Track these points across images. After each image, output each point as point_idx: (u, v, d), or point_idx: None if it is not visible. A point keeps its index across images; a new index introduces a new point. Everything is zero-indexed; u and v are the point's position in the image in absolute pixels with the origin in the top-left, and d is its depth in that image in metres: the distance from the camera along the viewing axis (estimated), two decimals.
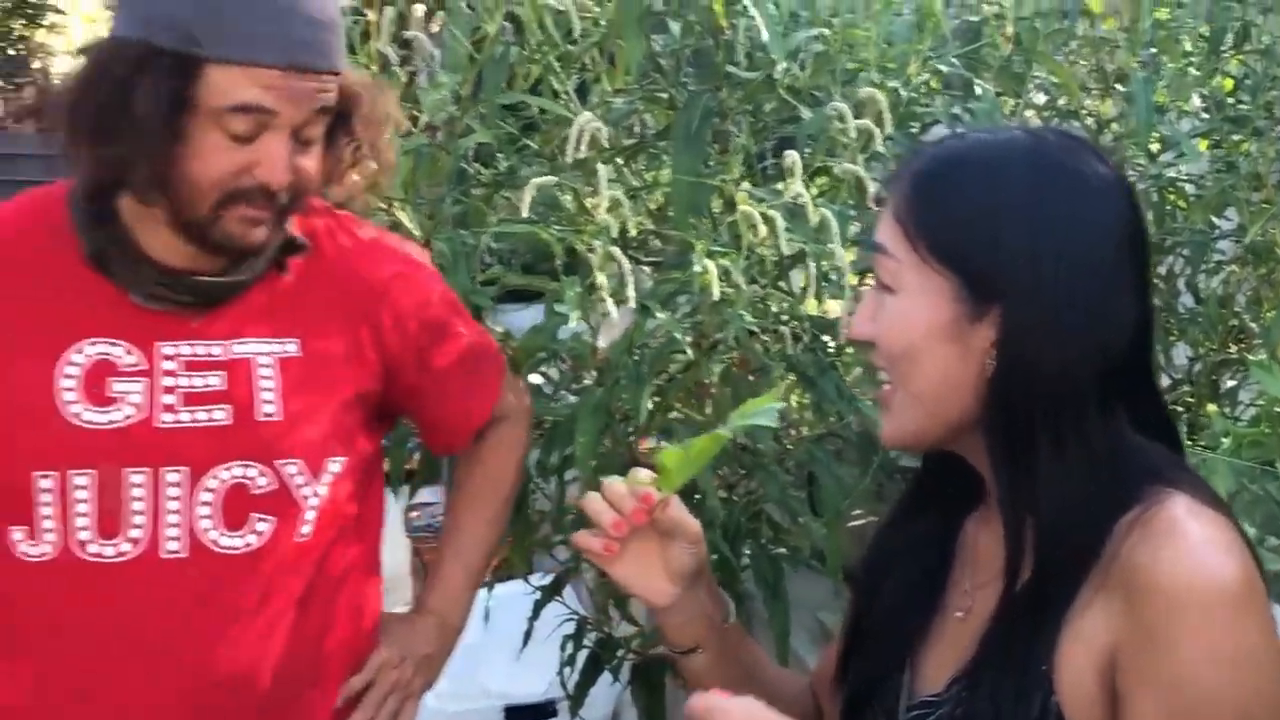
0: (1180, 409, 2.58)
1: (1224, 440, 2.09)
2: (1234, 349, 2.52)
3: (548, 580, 2.18)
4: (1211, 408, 2.45)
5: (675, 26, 1.80)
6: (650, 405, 1.60)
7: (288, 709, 1.39)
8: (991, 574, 1.02)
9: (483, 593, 2.32)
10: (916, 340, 0.98)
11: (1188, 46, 2.50)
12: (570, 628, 2.16)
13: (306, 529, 1.37)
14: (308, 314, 1.39)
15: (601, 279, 1.42)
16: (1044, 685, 0.92)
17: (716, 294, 1.46)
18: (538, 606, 2.16)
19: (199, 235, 1.30)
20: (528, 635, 2.15)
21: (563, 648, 2.14)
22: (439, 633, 1.55)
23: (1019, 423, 0.96)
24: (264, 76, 1.23)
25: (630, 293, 1.42)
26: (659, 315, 1.52)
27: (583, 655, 2.16)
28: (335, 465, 1.38)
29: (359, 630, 1.47)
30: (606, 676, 2.15)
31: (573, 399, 1.74)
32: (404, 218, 1.64)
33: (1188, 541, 0.91)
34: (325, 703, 1.44)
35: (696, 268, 1.46)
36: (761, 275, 1.73)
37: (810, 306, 1.74)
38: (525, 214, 1.41)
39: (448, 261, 1.61)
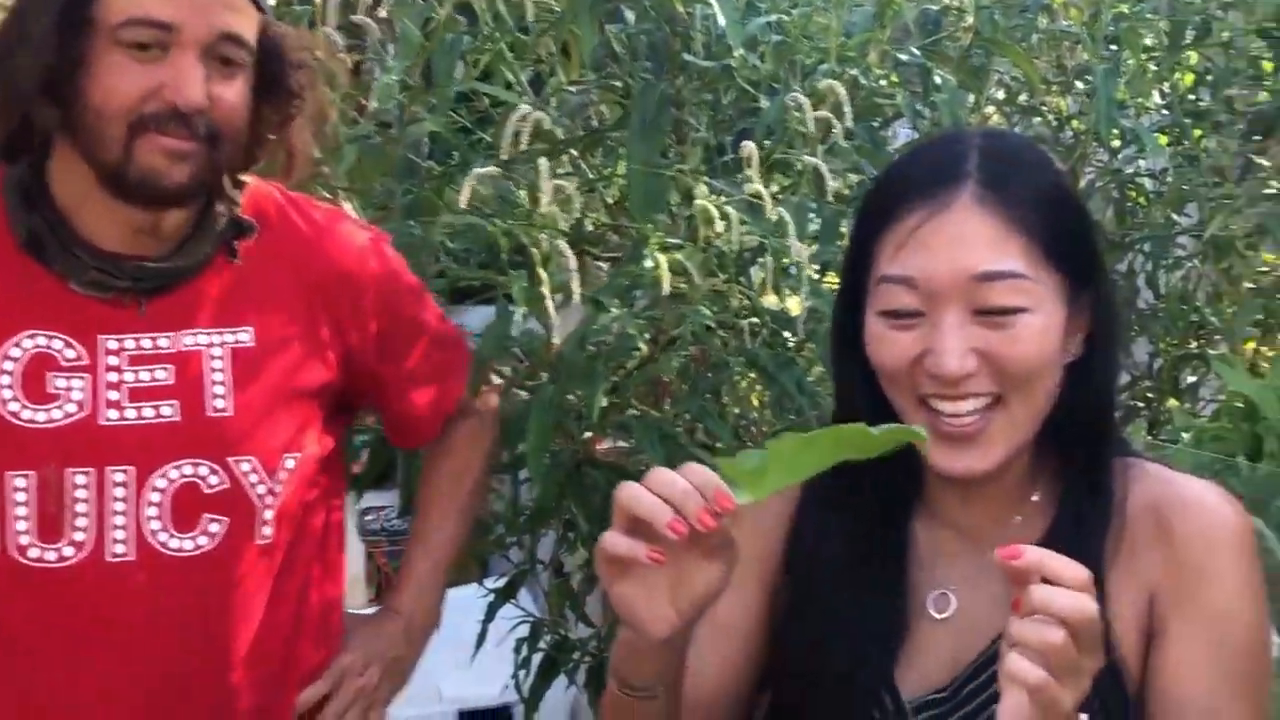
0: (1141, 405, 2.57)
1: (1184, 435, 2.08)
2: (1195, 345, 2.51)
3: (502, 583, 2.14)
4: (1173, 403, 2.44)
5: (630, 16, 1.76)
6: (605, 402, 1.56)
7: (249, 717, 1.33)
8: (965, 571, 1.04)
9: None
10: (1051, 353, 0.98)
11: (1149, 42, 2.49)
12: (525, 630, 2.13)
13: (268, 530, 1.31)
14: (261, 301, 1.33)
15: (543, 274, 1.37)
16: (1111, 656, 0.94)
17: (667, 288, 1.42)
18: (491, 609, 2.11)
19: (118, 180, 1.22)
20: (481, 638, 2.10)
21: (517, 651, 2.10)
22: (408, 634, 1.49)
23: (1107, 398, 1.03)
24: None
25: (576, 287, 1.37)
26: (613, 310, 1.47)
27: (538, 658, 2.12)
28: (291, 462, 1.32)
29: (323, 635, 1.42)
30: (562, 680, 2.11)
31: (526, 396, 1.69)
32: (350, 209, 1.58)
33: (1209, 497, 1.00)
34: (283, 712, 1.38)
35: (648, 262, 1.42)
36: (721, 270, 1.70)
37: (769, 301, 1.70)
38: (464, 206, 1.36)
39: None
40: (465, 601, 2.23)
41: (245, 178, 1.35)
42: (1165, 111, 2.48)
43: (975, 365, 0.96)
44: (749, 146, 1.47)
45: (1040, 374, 0.98)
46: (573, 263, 1.38)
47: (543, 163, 1.34)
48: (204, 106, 1.21)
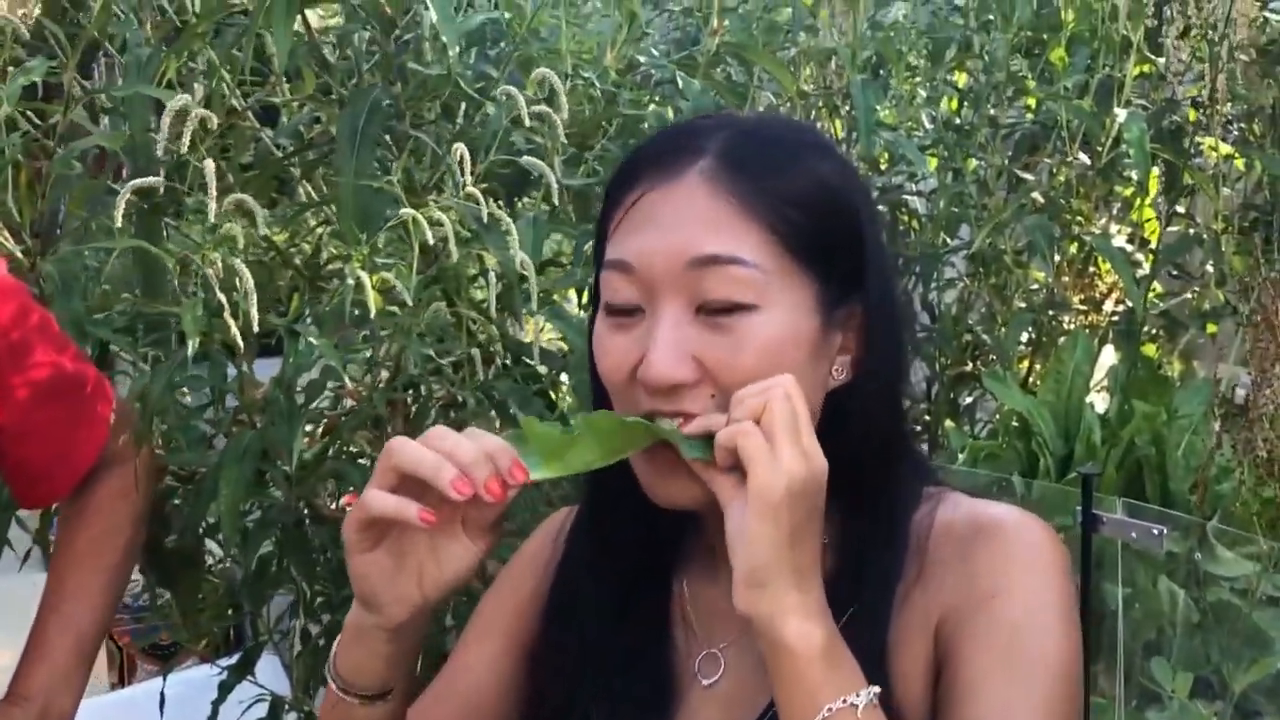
0: (919, 428, 2.50)
1: (960, 455, 2.00)
2: (970, 366, 2.46)
3: (235, 659, 1.91)
4: (949, 424, 2.37)
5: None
6: (313, 449, 1.36)
7: None
8: (735, 629, 0.89)
9: (155, 684, 2.04)
10: (791, 366, 0.81)
11: (911, 59, 2.45)
12: (263, 710, 1.90)
13: None
14: None
15: (222, 298, 1.17)
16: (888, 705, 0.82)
17: (373, 309, 1.24)
18: (224, 688, 1.88)
19: None
20: None
21: None
22: None
23: (883, 427, 0.88)
24: None
25: (253, 312, 1.17)
26: (313, 340, 1.28)
27: None
28: None
29: None
30: None
31: None
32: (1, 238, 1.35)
33: (1011, 517, 0.89)
34: None
35: (349, 280, 1.23)
36: (455, 294, 1.52)
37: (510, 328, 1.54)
38: (119, 224, 1.15)
39: (56, 287, 1.33)
40: (193, 684, 2.00)
41: None
42: (928, 128, 2.43)
43: (693, 374, 0.81)
44: (460, 148, 1.30)
45: None
46: (250, 284, 1.18)
47: (208, 165, 1.14)
48: None
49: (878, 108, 2.24)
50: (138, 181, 1.18)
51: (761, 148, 0.84)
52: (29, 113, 1.47)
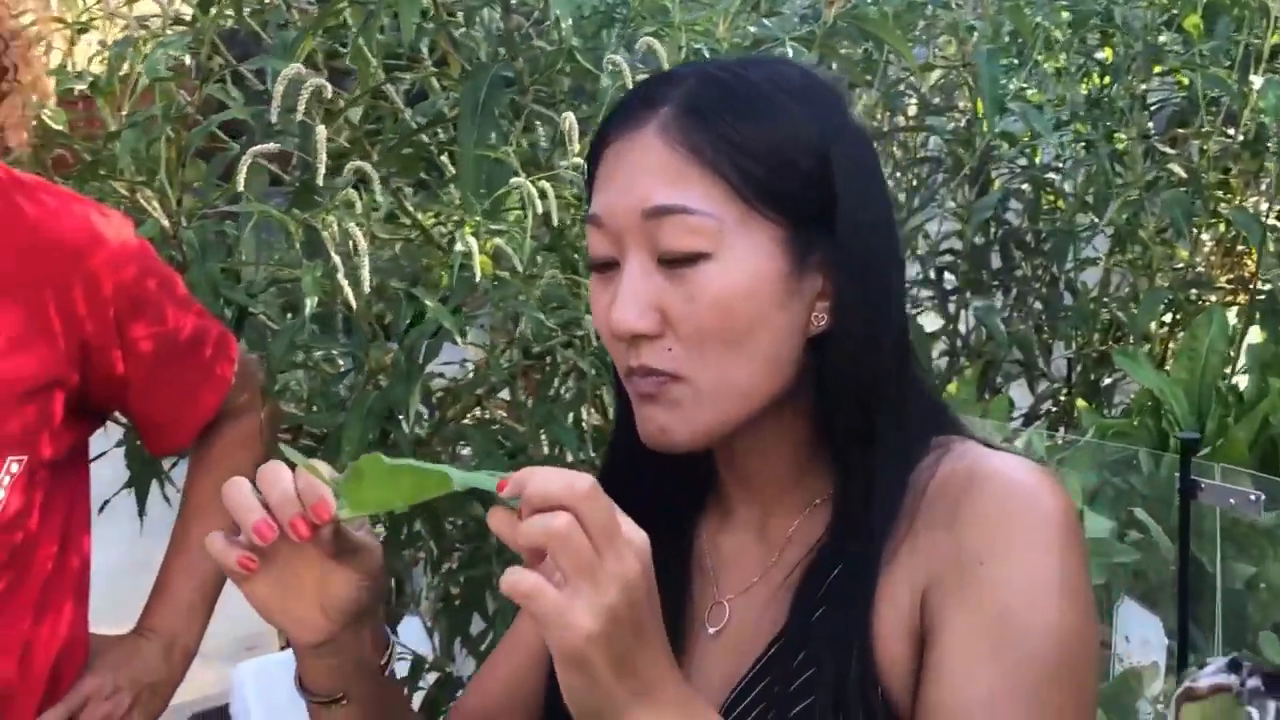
0: (1054, 408, 2.46)
1: (1088, 434, 1.96)
2: (1109, 345, 2.41)
3: None
4: (1081, 402, 2.33)
5: None
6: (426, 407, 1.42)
7: None
8: (746, 577, 0.90)
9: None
10: (752, 313, 0.81)
11: (1056, 34, 2.40)
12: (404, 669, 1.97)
13: None
14: None
15: (337, 260, 1.24)
16: (866, 660, 0.80)
17: (479, 274, 1.29)
18: None
19: None
20: None
21: None
22: (166, 657, 1.36)
23: (861, 376, 0.84)
24: None
25: (365, 273, 1.23)
26: (428, 303, 1.33)
27: (418, 698, 1.97)
28: (15, 466, 1.20)
29: (58, 658, 1.28)
30: None
31: None
32: (146, 203, 1.44)
33: (1009, 471, 0.83)
34: None
35: (459, 246, 1.28)
36: (572, 263, 1.56)
37: None
38: (241, 187, 1.22)
39: (195, 253, 1.42)
40: None
41: None
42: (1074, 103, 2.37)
43: (655, 325, 0.81)
44: (569, 118, 1.34)
45: (731, 341, 0.81)
46: (363, 245, 1.24)
47: (320, 130, 1.20)
48: None
49: (1023, 85, 2.21)
50: (259, 148, 1.25)
51: (723, 96, 0.83)
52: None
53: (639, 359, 0.82)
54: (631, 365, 0.83)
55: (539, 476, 0.70)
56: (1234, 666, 0.35)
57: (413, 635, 2.07)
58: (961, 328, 2.50)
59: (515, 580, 0.69)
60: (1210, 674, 0.35)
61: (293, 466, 0.78)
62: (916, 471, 0.85)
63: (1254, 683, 0.36)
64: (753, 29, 1.58)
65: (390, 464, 0.74)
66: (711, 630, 0.90)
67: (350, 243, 1.23)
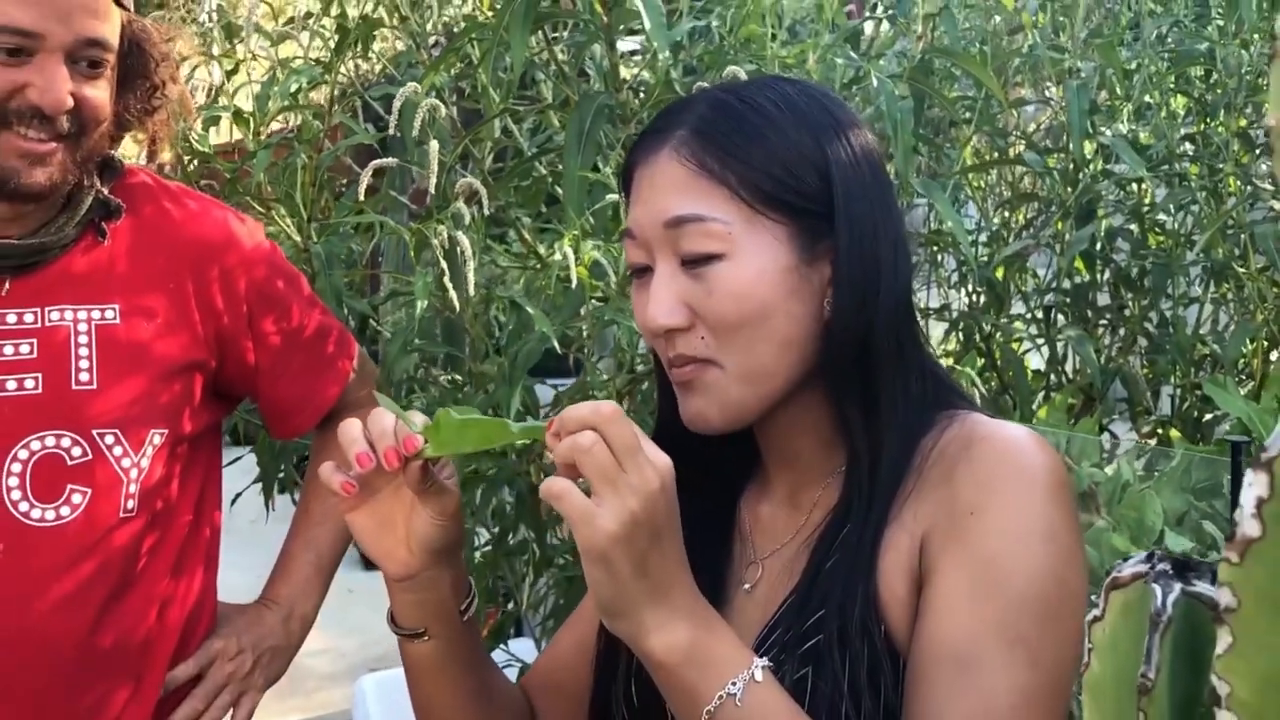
0: (1154, 441, 2.47)
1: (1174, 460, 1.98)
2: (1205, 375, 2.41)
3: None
4: (1174, 432, 2.34)
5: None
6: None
7: (103, 692, 1.31)
8: (779, 540, 1.00)
9: None
10: (766, 301, 0.92)
11: (1152, 68, 2.44)
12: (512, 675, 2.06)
13: (131, 504, 1.30)
14: (128, 279, 1.34)
15: (444, 264, 1.36)
16: (872, 610, 0.89)
17: (574, 279, 1.39)
18: None
19: None
20: None
21: None
22: (285, 625, 1.47)
23: (867, 356, 0.93)
24: None
25: (470, 277, 1.35)
26: (529, 310, 1.45)
27: None
28: (159, 438, 1.32)
29: (189, 617, 1.40)
30: None
31: None
32: (281, 221, 1.59)
33: (1003, 432, 0.92)
34: (147, 690, 1.36)
35: (557, 255, 1.39)
36: None
37: None
38: (361, 196, 1.35)
39: (321, 264, 1.55)
40: None
41: (120, 161, 1.37)
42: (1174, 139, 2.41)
43: (685, 319, 0.92)
44: None
45: (751, 327, 0.91)
46: (469, 251, 1.35)
47: (433, 145, 1.32)
48: (68, 108, 1.24)
49: (1132, 127, 2.25)
50: (378, 162, 1.38)
51: (727, 117, 0.94)
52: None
53: (675, 349, 0.93)
54: (670, 356, 0.94)
55: (573, 407, 0.83)
56: (1149, 557, 0.41)
57: (526, 653, 2.17)
58: (1068, 368, 2.54)
59: (550, 484, 0.81)
60: (1132, 564, 0.40)
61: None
62: (924, 439, 0.94)
63: (1163, 567, 0.41)
64: (840, 60, 1.67)
65: (459, 418, 0.88)
66: (746, 587, 1.00)
67: (459, 251, 1.35)
